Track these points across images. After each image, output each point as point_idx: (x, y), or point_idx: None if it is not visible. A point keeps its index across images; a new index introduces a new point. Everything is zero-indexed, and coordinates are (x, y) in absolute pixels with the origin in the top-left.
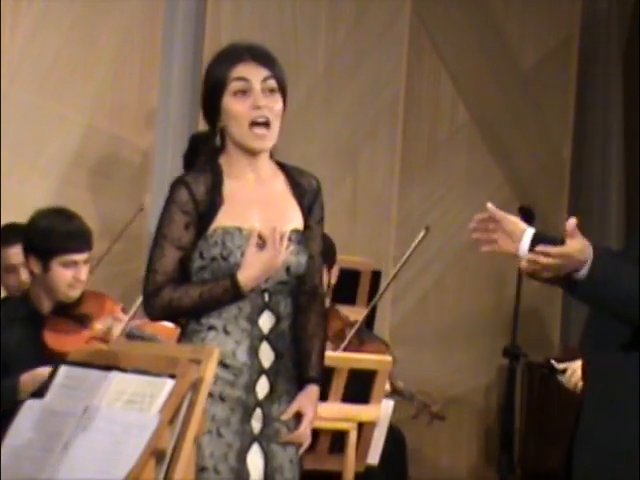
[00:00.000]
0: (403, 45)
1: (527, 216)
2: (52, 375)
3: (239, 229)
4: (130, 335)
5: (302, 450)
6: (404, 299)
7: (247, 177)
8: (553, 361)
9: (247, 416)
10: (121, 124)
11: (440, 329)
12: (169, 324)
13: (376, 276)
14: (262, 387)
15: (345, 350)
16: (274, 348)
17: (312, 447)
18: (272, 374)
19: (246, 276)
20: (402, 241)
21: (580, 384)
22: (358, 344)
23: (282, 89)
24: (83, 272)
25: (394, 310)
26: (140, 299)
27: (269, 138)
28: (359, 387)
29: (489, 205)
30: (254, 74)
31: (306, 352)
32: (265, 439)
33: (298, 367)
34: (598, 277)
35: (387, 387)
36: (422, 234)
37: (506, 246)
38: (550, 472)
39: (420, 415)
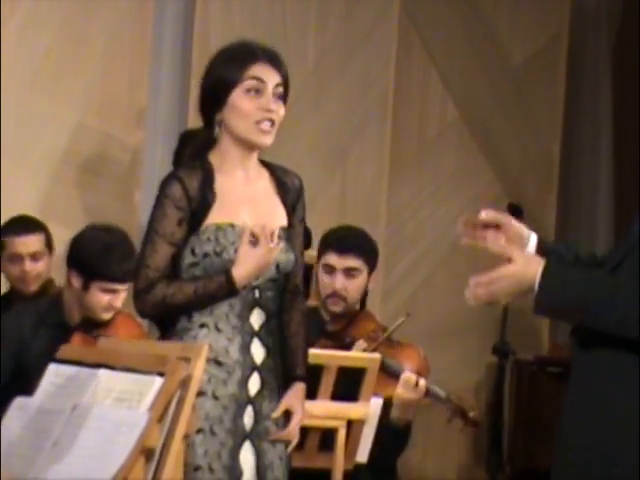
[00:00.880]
0: (392, 42)
1: (516, 213)
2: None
3: (232, 225)
4: None
5: (290, 448)
6: (393, 297)
7: (237, 174)
8: None
9: (239, 413)
10: (111, 122)
11: (429, 327)
12: None
13: None
14: (254, 383)
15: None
16: (265, 344)
17: (301, 445)
18: (263, 370)
19: (240, 272)
20: (391, 239)
21: None
22: (388, 344)
23: (286, 97)
24: (120, 299)
25: (383, 308)
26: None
27: (272, 136)
28: (348, 385)
29: (484, 214)
30: (269, 77)
31: (291, 350)
32: (256, 436)
33: (284, 364)
34: (550, 290)
35: (422, 387)
36: (401, 320)
37: (496, 246)
38: (539, 469)
39: (454, 419)
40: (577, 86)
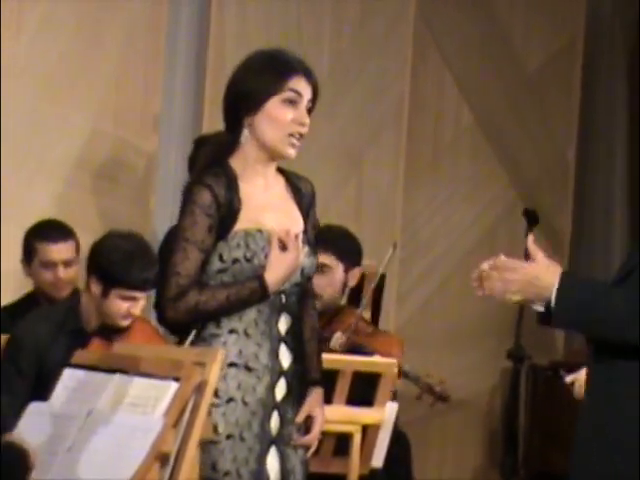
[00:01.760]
0: (407, 47)
1: (531, 219)
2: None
3: (260, 231)
4: None
5: (310, 452)
6: (409, 301)
7: (257, 181)
8: (562, 372)
9: (267, 418)
10: (125, 127)
11: (445, 331)
12: None
13: (381, 279)
14: (280, 388)
15: (357, 337)
16: (291, 349)
17: (316, 450)
18: (289, 375)
19: (273, 278)
20: (407, 243)
21: None
22: (370, 334)
23: (310, 112)
24: (139, 307)
25: (399, 312)
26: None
27: (298, 150)
28: (364, 390)
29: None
30: (306, 91)
31: (307, 355)
32: (281, 441)
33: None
34: (570, 302)
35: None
36: (390, 252)
37: (528, 242)
38: (554, 473)
39: (423, 396)
40: (592, 91)
